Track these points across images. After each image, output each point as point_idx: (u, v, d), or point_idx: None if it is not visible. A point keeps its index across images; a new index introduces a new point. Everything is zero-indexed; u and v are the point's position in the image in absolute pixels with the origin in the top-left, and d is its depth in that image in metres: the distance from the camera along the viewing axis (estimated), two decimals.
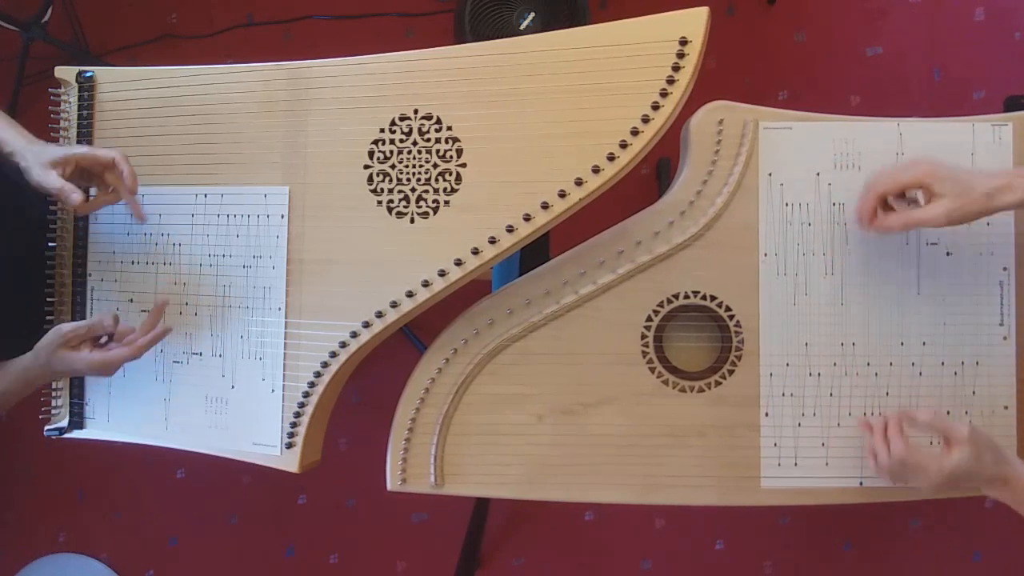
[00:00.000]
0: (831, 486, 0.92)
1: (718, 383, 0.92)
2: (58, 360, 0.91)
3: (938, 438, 0.84)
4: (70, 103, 1.05)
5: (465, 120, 0.91)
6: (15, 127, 0.94)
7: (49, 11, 1.79)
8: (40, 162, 0.90)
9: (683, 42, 0.85)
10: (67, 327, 0.90)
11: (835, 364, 0.91)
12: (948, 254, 0.91)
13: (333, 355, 0.95)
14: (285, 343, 0.97)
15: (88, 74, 1.04)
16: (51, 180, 0.89)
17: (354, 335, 0.94)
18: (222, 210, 1.00)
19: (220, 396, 1.00)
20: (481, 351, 0.94)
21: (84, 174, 0.94)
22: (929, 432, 0.86)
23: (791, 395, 0.92)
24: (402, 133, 0.93)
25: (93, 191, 1.00)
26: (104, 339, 0.93)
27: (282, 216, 0.97)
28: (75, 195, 0.89)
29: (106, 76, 1.04)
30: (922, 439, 0.89)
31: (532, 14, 1.49)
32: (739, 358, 0.92)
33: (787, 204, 0.92)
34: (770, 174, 0.92)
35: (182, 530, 1.92)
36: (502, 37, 0.94)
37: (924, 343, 0.91)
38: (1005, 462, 0.80)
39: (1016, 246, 0.90)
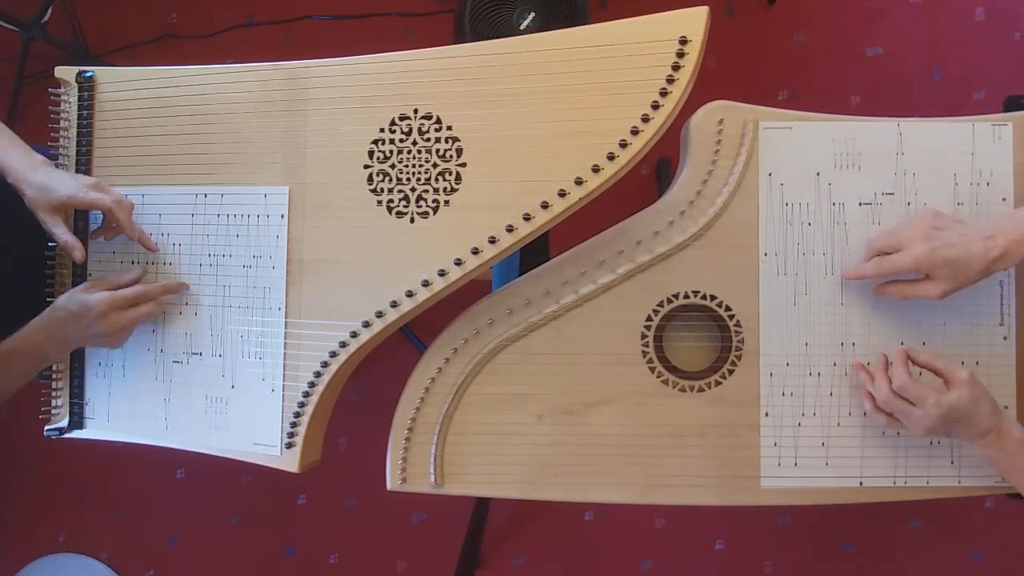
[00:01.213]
0: (831, 486, 0.92)
1: (718, 383, 0.92)
2: (74, 301, 0.93)
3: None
4: (70, 103, 1.05)
5: (465, 120, 0.91)
6: (16, 146, 0.94)
7: (49, 11, 1.80)
8: (42, 207, 0.92)
9: (683, 41, 0.85)
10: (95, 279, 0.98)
11: (835, 364, 0.91)
12: None
13: (333, 355, 0.95)
14: (285, 343, 0.97)
15: (88, 74, 1.04)
16: (59, 232, 0.93)
17: (354, 335, 0.94)
18: (222, 210, 1.00)
19: (220, 396, 1.00)
20: (481, 351, 0.94)
21: None
22: (929, 370, 0.86)
23: (791, 395, 0.92)
24: (402, 133, 0.93)
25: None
26: None
27: (282, 216, 0.97)
28: (77, 253, 0.95)
29: (106, 76, 1.04)
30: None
31: (532, 14, 1.49)
32: (739, 358, 0.92)
33: (787, 204, 0.92)
34: (770, 174, 0.92)
35: (182, 530, 1.92)
36: (502, 37, 0.94)
37: (924, 343, 0.91)
38: (1000, 415, 0.82)
39: None
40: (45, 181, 0.91)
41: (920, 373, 0.87)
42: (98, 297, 0.93)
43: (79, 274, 1.04)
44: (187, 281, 1.01)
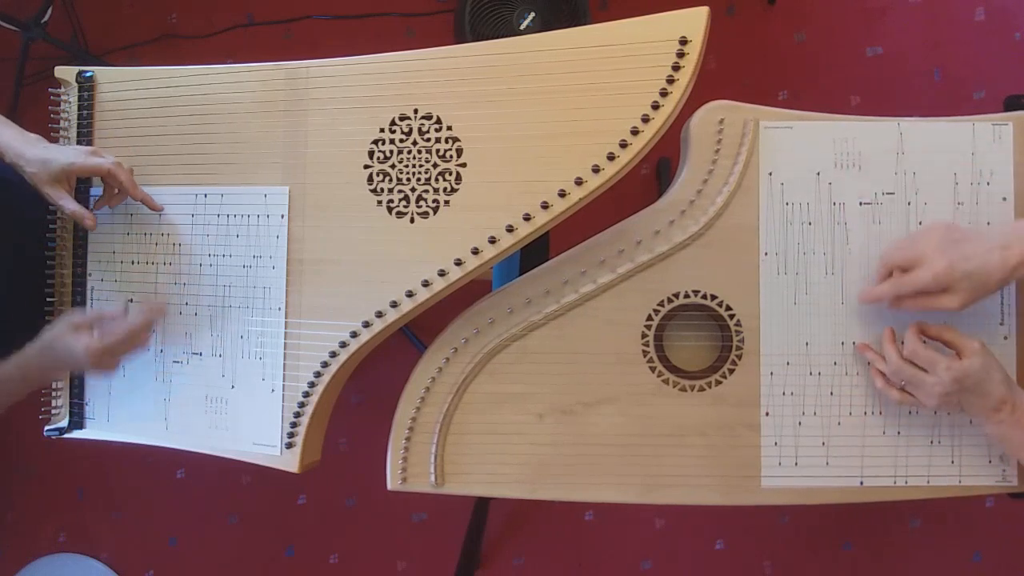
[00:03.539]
0: (831, 486, 0.92)
1: (718, 382, 0.92)
2: (61, 344, 0.91)
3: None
4: (70, 103, 1.05)
5: (465, 120, 0.91)
6: (9, 127, 0.93)
7: (49, 11, 1.79)
8: (44, 180, 0.91)
9: (683, 42, 0.85)
10: (77, 313, 0.93)
11: (835, 363, 0.91)
12: None
13: (333, 355, 0.95)
14: (285, 343, 0.97)
15: (88, 74, 1.04)
16: (65, 204, 0.93)
17: (354, 335, 0.94)
18: (222, 210, 1.00)
19: (220, 396, 1.00)
20: (481, 350, 0.94)
21: None
22: (940, 341, 0.86)
23: (791, 394, 0.92)
24: (402, 133, 0.93)
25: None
26: None
27: (282, 216, 0.97)
28: (88, 221, 0.95)
29: (106, 76, 1.04)
30: None
31: (532, 14, 1.50)
32: (739, 357, 0.92)
33: (787, 203, 0.92)
34: (770, 173, 0.92)
35: (182, 530, 1.92)
36: (502, 37, 0.94)
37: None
38: (1013, 387, 0.82)
39: None
40: (43, 154, 0.91)
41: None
42: (83, 345, 0.90)
43: (79, 275, 1.04)
44: (187, 281, 1.01)
